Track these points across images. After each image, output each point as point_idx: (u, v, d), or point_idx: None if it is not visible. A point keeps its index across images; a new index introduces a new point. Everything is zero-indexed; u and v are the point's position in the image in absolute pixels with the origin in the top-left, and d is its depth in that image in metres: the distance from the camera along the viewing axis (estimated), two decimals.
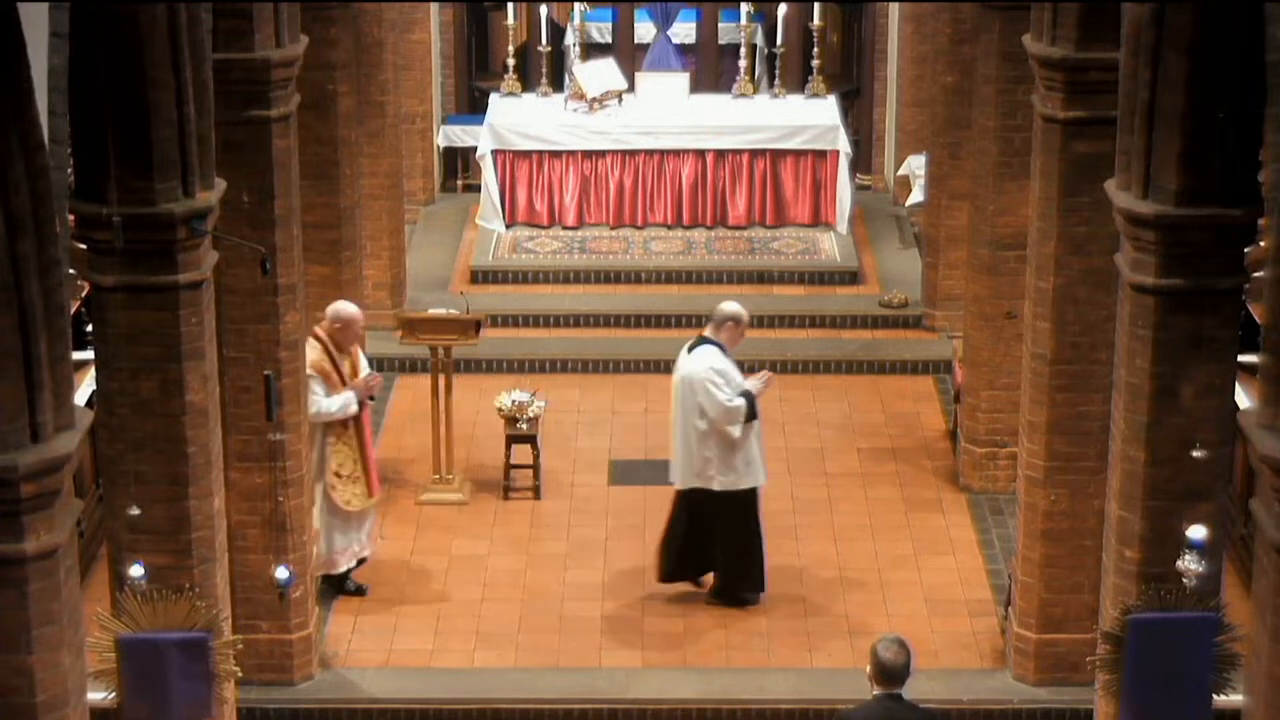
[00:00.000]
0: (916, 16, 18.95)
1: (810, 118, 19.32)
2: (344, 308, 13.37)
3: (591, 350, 17.31)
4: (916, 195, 18.74)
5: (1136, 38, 9.88)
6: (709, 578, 13.72)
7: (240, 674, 10.77)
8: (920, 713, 9.73)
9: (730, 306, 13.46)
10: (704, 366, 13.26)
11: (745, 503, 13.43)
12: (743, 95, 19.83)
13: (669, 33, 20.53)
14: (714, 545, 13.55)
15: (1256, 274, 9.47)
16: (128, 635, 10.14)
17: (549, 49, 20.17)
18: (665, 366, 16.99)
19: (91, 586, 12.36)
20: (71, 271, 9.82)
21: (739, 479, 13.34)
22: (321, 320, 13.35)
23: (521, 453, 15.13)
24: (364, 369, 13.49)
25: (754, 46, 20.49)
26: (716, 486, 13.34)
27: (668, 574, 13.72)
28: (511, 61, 20.12)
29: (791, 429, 16.10)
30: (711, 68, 20.95)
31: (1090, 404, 11.98)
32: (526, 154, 19.10)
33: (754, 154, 19.06)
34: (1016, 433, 13.04)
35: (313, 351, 12.99)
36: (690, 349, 13.46)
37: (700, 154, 19.07)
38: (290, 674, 12.50)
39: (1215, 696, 10.32)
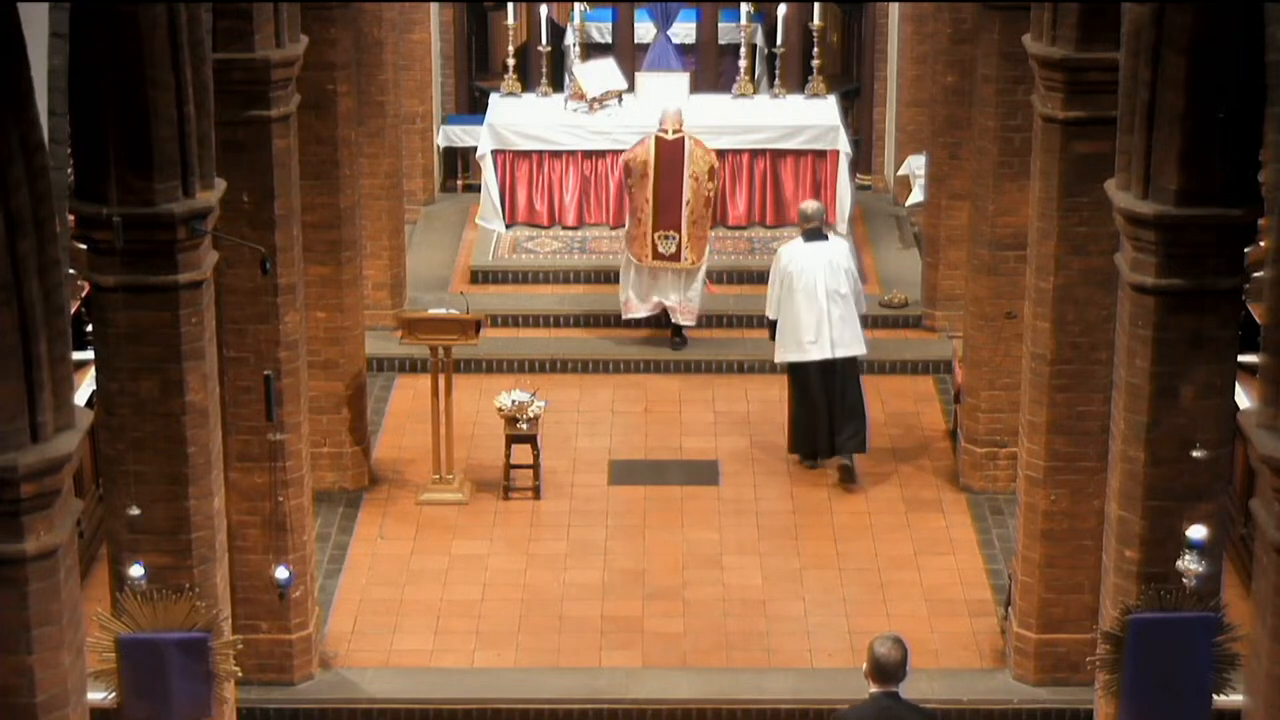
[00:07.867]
0: (916, 16, 18.93)
1: (810, 118, 19.28)
2: None
3: (591, 350, 17.29)
4: (916, 195, 18.72)
5: (1136, 38, 9.88)
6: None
7: (240, 674, 10.78)
8: (917, 712, 9.74)
9: (814, 204, 15.52)
10: (843, 244, 15.65)
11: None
12: (743, 95, 19.79)
13: (669, 33, 20.48)
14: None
15: (1256, 274, 9.46)
16: (128, 635, 10.14)
17: (549, 49, 20.14)
18: (665, 366, 17.06)
19: (91, 586, 12.35)
20: (71, 271, 9.80)
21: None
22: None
23: (521, 453, 15.11)
24: None
25: (754, 46, 20.45)
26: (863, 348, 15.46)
27: (828, 449, 15.27)
28: (511, 61, 20.09)
29: None
30: (711, 68, 20.93)
31: (1090, 404, 11.98)
32: (526, 154, 19.05)
33: (754, 154, 19.04)
34: (1016, 433, 13.04)
35: None
36: (808, 239, 15.15)
37: None
38: (290, 674, 12.50)
39: (1215, 696, 10.32)
